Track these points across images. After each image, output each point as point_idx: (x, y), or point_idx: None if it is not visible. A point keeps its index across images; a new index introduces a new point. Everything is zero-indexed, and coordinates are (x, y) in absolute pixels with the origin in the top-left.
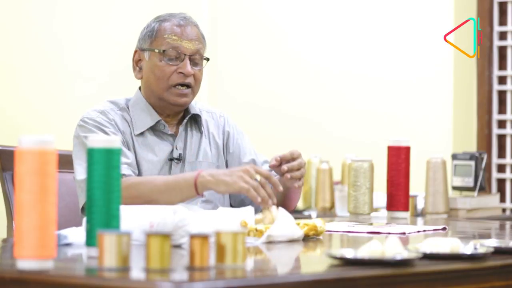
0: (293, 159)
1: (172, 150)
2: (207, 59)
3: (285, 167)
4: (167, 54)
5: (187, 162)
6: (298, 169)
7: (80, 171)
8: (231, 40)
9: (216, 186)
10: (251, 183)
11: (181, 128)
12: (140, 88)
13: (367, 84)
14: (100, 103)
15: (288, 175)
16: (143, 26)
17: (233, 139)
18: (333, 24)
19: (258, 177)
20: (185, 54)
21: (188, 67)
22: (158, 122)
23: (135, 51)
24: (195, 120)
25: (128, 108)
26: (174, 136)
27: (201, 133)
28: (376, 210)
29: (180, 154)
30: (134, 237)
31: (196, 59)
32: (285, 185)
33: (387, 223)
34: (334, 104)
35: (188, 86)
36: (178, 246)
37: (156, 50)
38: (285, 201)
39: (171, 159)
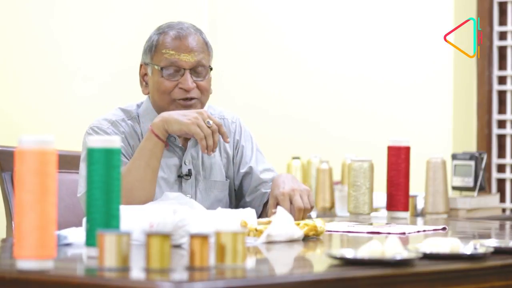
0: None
1: (181, 166)
2: (210, 68)
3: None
4: (166, 70)
5: (201, 179)
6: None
7: (83, 185)
8: (231, 42)
9: (169, 124)
10: (205, 130)
11: (189, 143)
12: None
13: (367, 84)
14: (111, 111)
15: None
16: (145, 34)
17: (239, 148)
18: (333, 25)
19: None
20: (184, 68)
21: (188, 82)
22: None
23: (140, 65)
24: None
25: (138, 117)
26: (183, 149)
27: None
28: (376, 210)
29: (189, 170)
30: (134, 237)
31: (199, 70)
32: None
33: (387, 223)
34: (334, 104)
35: (192, 98)
36: (178, 246)
37: (156, 67)
38: None
39: (180, 176)
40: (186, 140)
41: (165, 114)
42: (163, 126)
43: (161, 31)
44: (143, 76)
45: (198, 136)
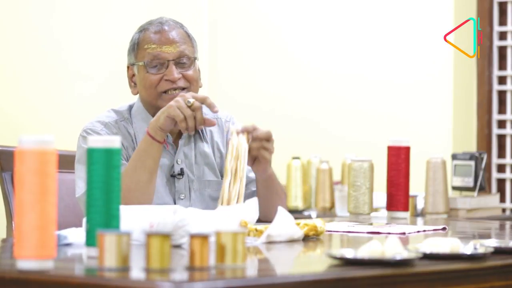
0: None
1: (173, 165)
2: (195, 58)
3: (252, 135)
4: (150, 64)
5: (195, 179)
6: (267, 140)
7: (81, 185)
8: (231, 42)
9: (159, 120)
10: (185, 111)
11: (181, 142)
12: None
13: (367, 84)
14: (104, 113)
15: (256, 144)
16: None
17: None
18: (333, 25)
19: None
20: (168, 60)
21: (174, 73)
22: None
23: (127, 67)
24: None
25: (131, 118)
26: (175, 149)
27: (206, 142)
28: (376, 210)
29: (181, 169)
30: (134, 237)
31: (183, 61)
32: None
33: (387, 223)
34: (334, 104)
35: (181, 88)
36: (178, 246)
37: (140, 63)
38: (269, 201)
39: (173, 176)
40: (177, 139)
41: (158, 113)
42: (156, 125)
43: (142, 28)
44: (131, 77)
45: (177, 118)
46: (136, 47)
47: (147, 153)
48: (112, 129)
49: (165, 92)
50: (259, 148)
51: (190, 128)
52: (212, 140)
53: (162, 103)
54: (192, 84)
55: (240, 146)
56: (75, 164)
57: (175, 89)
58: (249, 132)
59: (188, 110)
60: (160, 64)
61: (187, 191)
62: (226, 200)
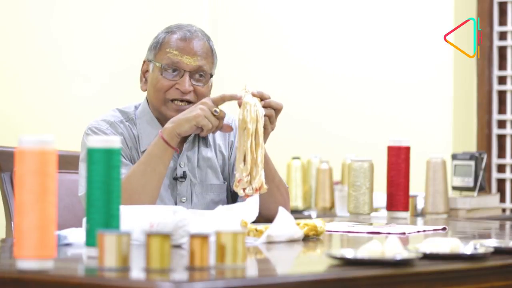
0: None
1: (176, 168)
2: (211, 75)
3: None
4: (167, 68)
5: (197, 182)
6: (279, 111)
7: (84, 184)
8: (231, 42)
9: (180, 126)
10: (213, 122)
11: (185, 146)
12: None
13: (367, 84)
14: (109, 112)
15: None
16: (145, 34)
17: (233, 150)
18: (333, 25)
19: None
20: (184, 70)
21: (186, 84)
22: None
23: (144, 61)
24: None
25: (135, 118)
26: (179, 152)
27: (209, 147)
28: (376, 210)
29: (184, 172)
30: (134, 237)
31: (199, 74)
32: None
33: (387, 223)
34: (334, 104)
35: (188, 101)
36: (178, 246)
37: (158, 64)
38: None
39: (175, 178)
40: (181, 142)
41: (174, 119)
42: (175, 131)
43: (169, 30)
44: (144, 72)
45: (206, 128)
46: (158, 47)
47: (159, 158)
48: (118, 129)
49: (172, 100)
50: (267, 117)
51: (209, 133)
52: (215, 143)
53: (166, 110)
54: (200, 99)
55: (257, 108)
56: (79, 162)
57: (182, 100)
58: (263, 98)
59: (216, 120)
60: (176, 71)
61: (189, 194)
62: (253, 162)
